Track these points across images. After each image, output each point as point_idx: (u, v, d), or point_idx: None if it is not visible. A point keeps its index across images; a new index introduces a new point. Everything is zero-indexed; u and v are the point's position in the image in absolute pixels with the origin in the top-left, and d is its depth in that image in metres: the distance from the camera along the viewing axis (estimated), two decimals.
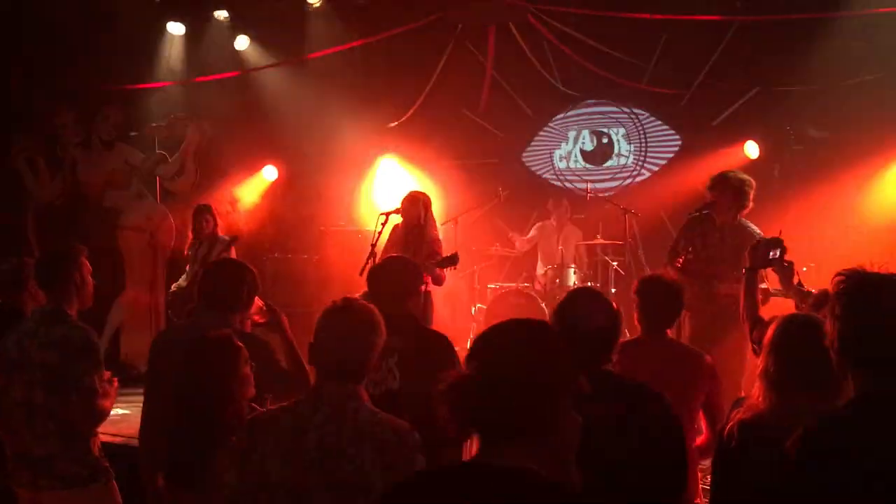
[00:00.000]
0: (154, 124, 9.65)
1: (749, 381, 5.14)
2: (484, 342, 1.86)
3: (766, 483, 2.44)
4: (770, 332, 2.65)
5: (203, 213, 7.41)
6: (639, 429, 2.60)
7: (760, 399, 2.60)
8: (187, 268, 7.54)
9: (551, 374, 1.81)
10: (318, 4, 9.00)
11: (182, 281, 7.55)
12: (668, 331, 3.71)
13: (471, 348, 1.86)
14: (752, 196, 5.57)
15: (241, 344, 3.04)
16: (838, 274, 2.13)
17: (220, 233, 7.47)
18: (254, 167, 9.73)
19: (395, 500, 1.84)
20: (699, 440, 3.61)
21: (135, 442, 3.60)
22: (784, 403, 2.53)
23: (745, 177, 5.64)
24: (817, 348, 2.50)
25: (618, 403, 2.60)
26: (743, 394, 5.01)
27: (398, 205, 6.72)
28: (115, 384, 3.77)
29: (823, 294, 3.71)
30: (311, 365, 2.55)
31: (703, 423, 3.61)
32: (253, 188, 9.84)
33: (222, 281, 3.54)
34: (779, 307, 4.48)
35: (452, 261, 6.47)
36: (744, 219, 5.62)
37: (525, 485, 1.70)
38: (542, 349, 1.82)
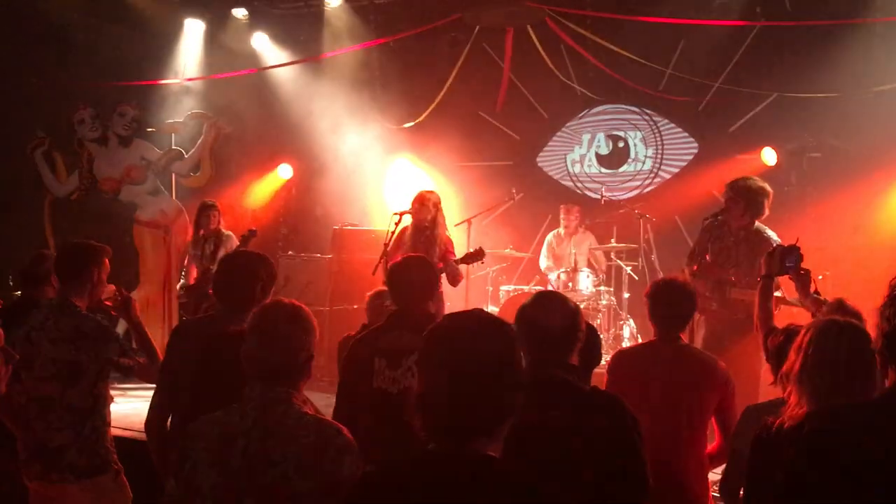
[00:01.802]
0: (171, 121, 9.70)
1: (765, 388, 5.15)
2: (443, 344, 1.84)
3: (808, 490, 2.41)
4: (809, 335, 2.57)
5: (208, 209, 7.43)
6: (584, 439, 2.59)
7: (798, 404, 2.53)
8: (192, 267, 7.53)
9: (516, 368, 1.84)
10: (336, 4, 9.02)
11: (184, 279, 7.55)
12: (682, 335, 3.68)
13: (424, 349, 1.84)
14: (767, 204, 5.50)
15: None
16: None
17: (223, 228, 7.49)
18: (269, 165, 9.76)
19: (365, 489, 1.86)
20: (711, 447, 3.57)
21: (144, 436, 3.59)
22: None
23: (761, 184, 5.55)
24: (860, 353, 2.47)
25: (566, 412, 2.61)
26: (761, 399, 5.02)
27: (410, 205, 6.71)
28: (123, 293, 3.95)
29: (838, 303, 3.67)
30: (245, 367, 2.49)
31: (715, 430, 3.57)
32: (267, 186, 9.87)
33: (234, 276, 3.51)
34: (788, 315, 4.46)
35: (478, 256, 6.45)
36: (761, 224, 5.56)
37: (494, 473, 1.75)
38: (503, 344, 1.84)
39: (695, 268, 5.60)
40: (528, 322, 2.74)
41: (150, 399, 3.55)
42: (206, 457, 2.34)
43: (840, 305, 3.61)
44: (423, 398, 1.81)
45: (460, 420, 1.77)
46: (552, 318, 2.74)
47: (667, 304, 3.63)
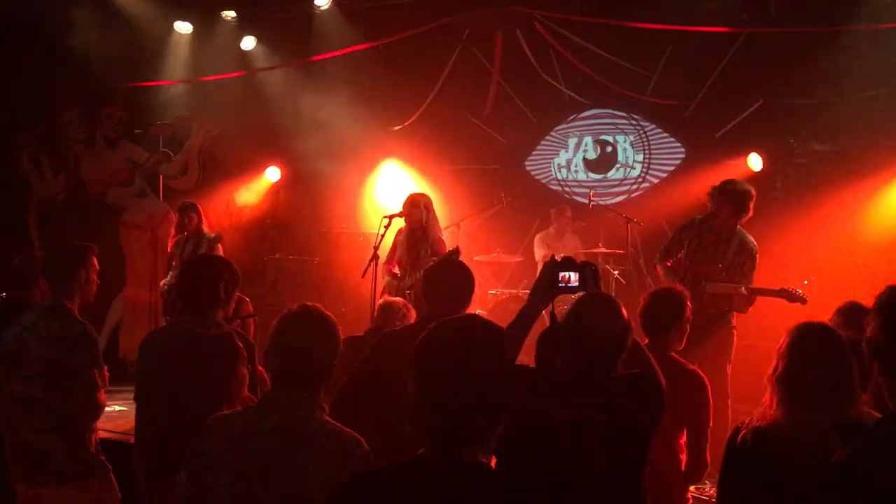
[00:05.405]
0: (158, 123, 9.66)
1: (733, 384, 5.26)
2: (436, 351, 1.84)
3: (782, 489, 2.44)
4: (785, 339, 2.61)
5: (188, 209, 7.46)
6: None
7: (774, 406, 2.56)
8: (173, 264, 7.54)
9: (506, 373, 1.86)
10: (325, 7, 9.02)
11: (170, 278, 7.55)
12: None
13: (418, 356, 1.84)
14: (752, 206, 5.67)
15: (240, 344, 3.02)
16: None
17: (206, 230, 7.49)
18: (257, 168, 9.74)
19: (356, 492, 1.86)
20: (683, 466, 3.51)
21: (132, 438, 3.58)
22: (800, 411, 2.50)
23: (747, 188, 5.71)
24: (835, 357, 2.50)
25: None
26: (730, 393, 5.11)
27: (401, 208, 6.73)
28: (106, 376, 3.78)
29: (851, 305, 3.54)
30: (265, 370, 2.48)
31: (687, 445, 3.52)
32: (256, 188, 9.85)
33: (197, 279, 3.49)
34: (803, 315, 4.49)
35: (453, 255, 6.48)
36: (742, 229, 5.73)
37: (484, 477, 1.77)
38: (495, 350, 1.85)
39: (668, 263, 5.73)
40: (580, 333, 2.76)
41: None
42: (224, 455, 2.35)
43: (855, 307, 3.46)
44: (418, 404, 1.81)
45: (453, 426, 1.78)
46: (608, 331, 2.75)
47: (652, 311, 3.66)
